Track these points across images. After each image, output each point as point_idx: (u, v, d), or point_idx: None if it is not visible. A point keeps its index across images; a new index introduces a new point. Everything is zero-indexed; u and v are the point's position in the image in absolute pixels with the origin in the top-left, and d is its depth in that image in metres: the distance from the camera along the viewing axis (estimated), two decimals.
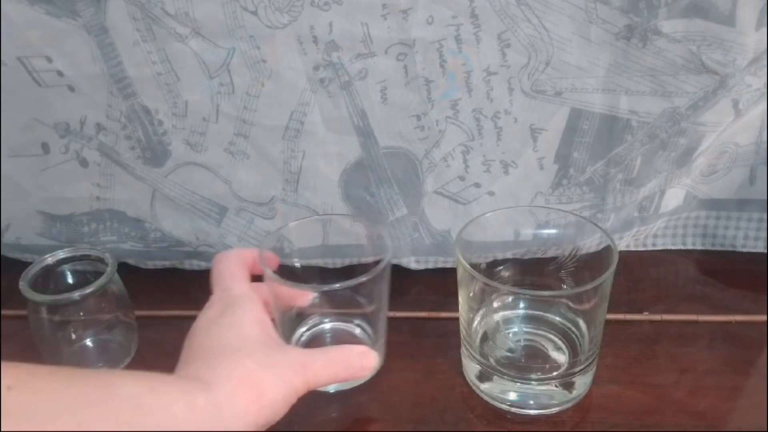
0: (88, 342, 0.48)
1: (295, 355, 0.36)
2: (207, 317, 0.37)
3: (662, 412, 0.42)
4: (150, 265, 0.57)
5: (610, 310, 0.41)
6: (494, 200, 0.52)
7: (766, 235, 0.55)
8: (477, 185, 0.52)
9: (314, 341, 0.48)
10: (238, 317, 0.36)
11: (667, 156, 0.50)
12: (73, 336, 0.48)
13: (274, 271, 0.41)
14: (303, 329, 0.48)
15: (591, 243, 0.46)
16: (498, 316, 0.46)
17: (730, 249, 0.57)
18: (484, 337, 0.45)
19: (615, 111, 0.48)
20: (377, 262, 0.42)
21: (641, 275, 0.56)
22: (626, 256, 0.58)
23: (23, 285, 0.44)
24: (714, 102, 0.47)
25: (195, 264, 0.57)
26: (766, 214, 0.54)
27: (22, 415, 0.24)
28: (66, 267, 0.49)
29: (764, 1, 0.42)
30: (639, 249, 0.58)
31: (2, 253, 0.58)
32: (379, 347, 0.46)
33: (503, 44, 0.45)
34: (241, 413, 0.32)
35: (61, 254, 0.48)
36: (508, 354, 0.44)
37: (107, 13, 0.45)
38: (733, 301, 0.52)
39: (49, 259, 0.47)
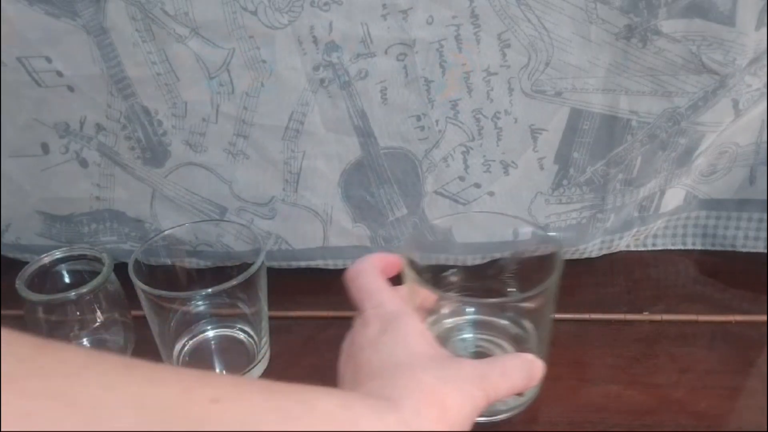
0: (85, 342, 0.48)
1: (470, 367, 0.34)
2: (367, 337, 0.35)
3: (662, 412, 0.42)
4: (152, 261, 0.57)
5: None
6: (494, 200, 0.52)
7: (766, 235, 0.55)
8: (477, 185, 0.52)
9: (198, 350, 0.48)
10: (402, 333, 0.34)
11: (667, 156, 0.50)
12: (70, 336, 0.48)
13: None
14: (185, 339, 0.48)
15: (543, 248, 0.46)
16: (449, 323, 0.45)
17: (730, 249, 0.57)
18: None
19: (615, 111, 0.48)
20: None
21: (641, 275, 0.56)
22: (626, 256, 0.58)
23: (20, 284, 0.45)
24: (714, 102, 0.47)
25: (194, 262, 0.57)
26: (766, 214, 0.54)
27: (229, 429, 0.24)
28: (63, 267, 0.49)
29: (764, 1, 0.42)
30: (639, 249, 0.58)
31: (2, 253, 0.58)
32: (263, 349, 0.47)
33: (503, 44, 0.45)
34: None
35: (57, 254, 0.48)
36: None
37: (107, 14, 0.45)
38: (733, 301, 0.52)
39: (46, 259, 0.47)
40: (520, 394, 0.41)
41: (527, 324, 0.43)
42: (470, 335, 0.45)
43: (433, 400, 0.30)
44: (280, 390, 0.27)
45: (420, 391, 0.31)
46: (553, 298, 0.40)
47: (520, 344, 0.43)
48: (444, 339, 0.44)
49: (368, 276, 0.38)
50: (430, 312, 0.40)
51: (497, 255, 0.55)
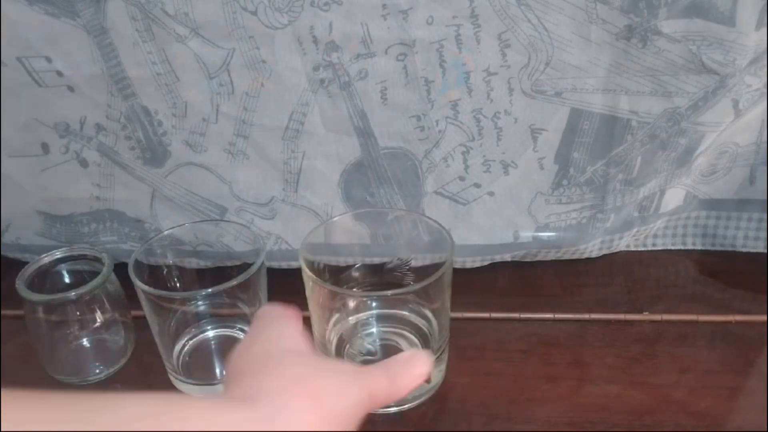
0: (85, 342, 0.48)
1: (349, 365, 0.33)
2: (245, 342, 0.34)
3: (662, 412, 0.42)
4: (152, 261, 0.57)
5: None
6: (494, 200, 0.52)
7: (766, 235, 0.55)
8: (477, 185, 0.52)
9: (198, 350, 0.48)
10: (277, 332, 0.33)
11: (667, 156, 0.50)
12: (70, 336, 0.48)
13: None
14: (185, 339, 0.48)
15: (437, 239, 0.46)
16: (354, 319, 0.46)
17: (730, 249, 0.57)
18: (341, 342, 0.45)
19: (615, 111, 0.48)
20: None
21: (641, 275, 0.56)
22: (626, 256, 0.58)
23: (20, 284, 0.45)
24: (714, 102, 0.47)
25: (194, 262, 0.57)
26: (766, 214, 0.54)
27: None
28: (63, 267, 0.49)
29: (764, 1, 0.42)
30: (639, 249, 0.58)
31: (2, 253, 0.58)
32: None
33: (503, 44, 0.45)
34: (296, 425, 0.27)
35: (58, 254, 0.48)
36: (368, 357, 0.45)
37: (107, 14, 0.45)
38: (733, 301, 0.52)
39: (46, 259, 0.47)
40: (427, 381, 0.41)
41: (428, 313, 0.44)
42: (375, 329, 0.46)
43: (303, 392, 0.28)
44: (70, 399, 0.23)
45: (287, 385, 0.29)
46: (447, 287, 0.41)
47: (422, 334, 0.45)
48: (350, 334, 0.45)
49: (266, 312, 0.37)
50: (334, 310, 0.41)
51: (497, 258, 0.55)
